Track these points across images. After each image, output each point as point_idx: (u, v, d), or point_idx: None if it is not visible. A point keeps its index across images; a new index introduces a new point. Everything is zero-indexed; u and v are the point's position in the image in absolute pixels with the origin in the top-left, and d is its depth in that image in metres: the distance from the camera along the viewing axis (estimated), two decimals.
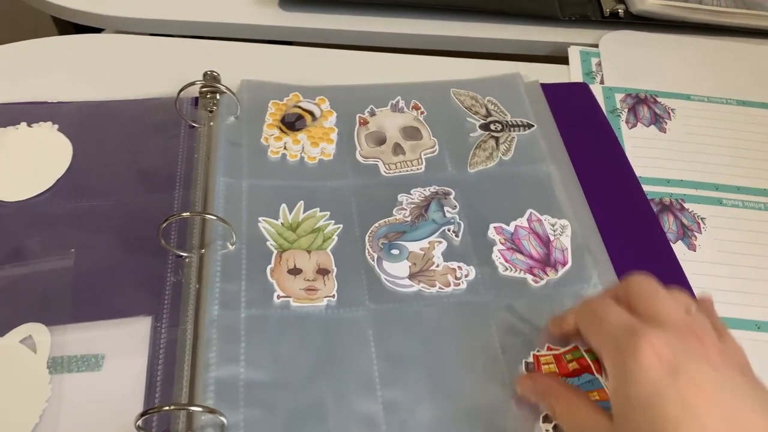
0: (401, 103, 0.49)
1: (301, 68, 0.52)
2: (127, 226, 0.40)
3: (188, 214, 0.38)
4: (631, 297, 0.30)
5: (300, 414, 0.33)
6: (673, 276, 0.41)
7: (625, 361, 0.27)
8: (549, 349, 0.35)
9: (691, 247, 0.43)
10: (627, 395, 0.27)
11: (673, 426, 0.25)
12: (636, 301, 0.30)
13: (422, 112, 0.49)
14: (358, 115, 0.48)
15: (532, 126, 0.48)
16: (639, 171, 0.46)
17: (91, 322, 0.36)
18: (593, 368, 0.33)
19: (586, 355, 0.34)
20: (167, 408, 0.31)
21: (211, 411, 0.31)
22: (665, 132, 0.50)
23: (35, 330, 0.35)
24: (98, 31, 0.57)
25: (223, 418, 0.31)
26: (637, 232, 0.43)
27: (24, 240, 0.39)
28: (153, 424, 0.32)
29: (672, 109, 0.51)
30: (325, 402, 0.33)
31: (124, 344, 0.35)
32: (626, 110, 0.51)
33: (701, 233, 0.44)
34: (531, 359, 0.35)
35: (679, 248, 0.43)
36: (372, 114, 0.48)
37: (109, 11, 0.55)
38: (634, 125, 0.50)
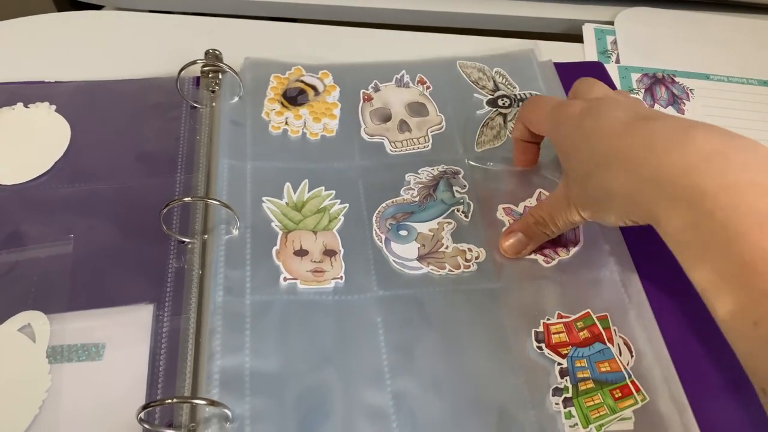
0: (406, 78, 0.47)
1: (305, 46, 0.50)
2: (128, 211, 0.39)
3: (189, 198, 0.37)
4: (577, 92, 0.37)
5: (307, 405, 0.32)
6: None
7: (557, 118, 0.35)
8: (560, 317, 0.35)
9: None
10: (560, 134, 0.35)
11: (590, 130, 0.32)
12: (578, 92, 0.37)
13: (428, 87, 0.47)
14: (362, 90, 0.46)
15: None
16: None
17: (90, 310, 0.35)
18: (604, 337, 0.34)
19: (598, 323, 0.35)
20: (170, 401, 0.30)
21: (215, 404, 0.30)
22: (684, 113, 0.48)
23: (34, 318, 0.34)
24: (97, 7, 0.55)
25: (227, 411, 0.30)
26: None
27: (21, 225, 0.38)
28: (155, 416, 0.31)
29: (690, 90, 0.50)
30: (333, 393, 0.32)
31: (125, 333, 0.34)
32: (643, 90, 0.49)
33: None
34: (541, 328, 0.35)
35: None
36: (376, 89, 0.47)
37: None
38: (651, 106, 0.48)
